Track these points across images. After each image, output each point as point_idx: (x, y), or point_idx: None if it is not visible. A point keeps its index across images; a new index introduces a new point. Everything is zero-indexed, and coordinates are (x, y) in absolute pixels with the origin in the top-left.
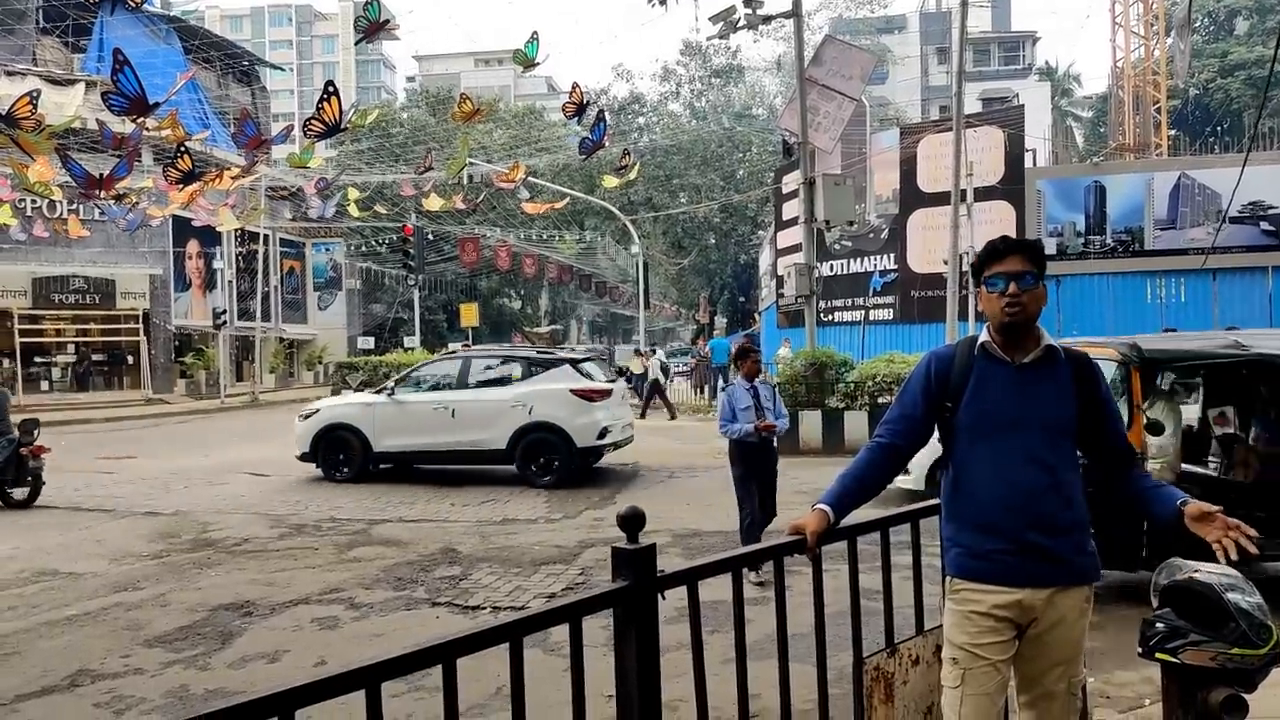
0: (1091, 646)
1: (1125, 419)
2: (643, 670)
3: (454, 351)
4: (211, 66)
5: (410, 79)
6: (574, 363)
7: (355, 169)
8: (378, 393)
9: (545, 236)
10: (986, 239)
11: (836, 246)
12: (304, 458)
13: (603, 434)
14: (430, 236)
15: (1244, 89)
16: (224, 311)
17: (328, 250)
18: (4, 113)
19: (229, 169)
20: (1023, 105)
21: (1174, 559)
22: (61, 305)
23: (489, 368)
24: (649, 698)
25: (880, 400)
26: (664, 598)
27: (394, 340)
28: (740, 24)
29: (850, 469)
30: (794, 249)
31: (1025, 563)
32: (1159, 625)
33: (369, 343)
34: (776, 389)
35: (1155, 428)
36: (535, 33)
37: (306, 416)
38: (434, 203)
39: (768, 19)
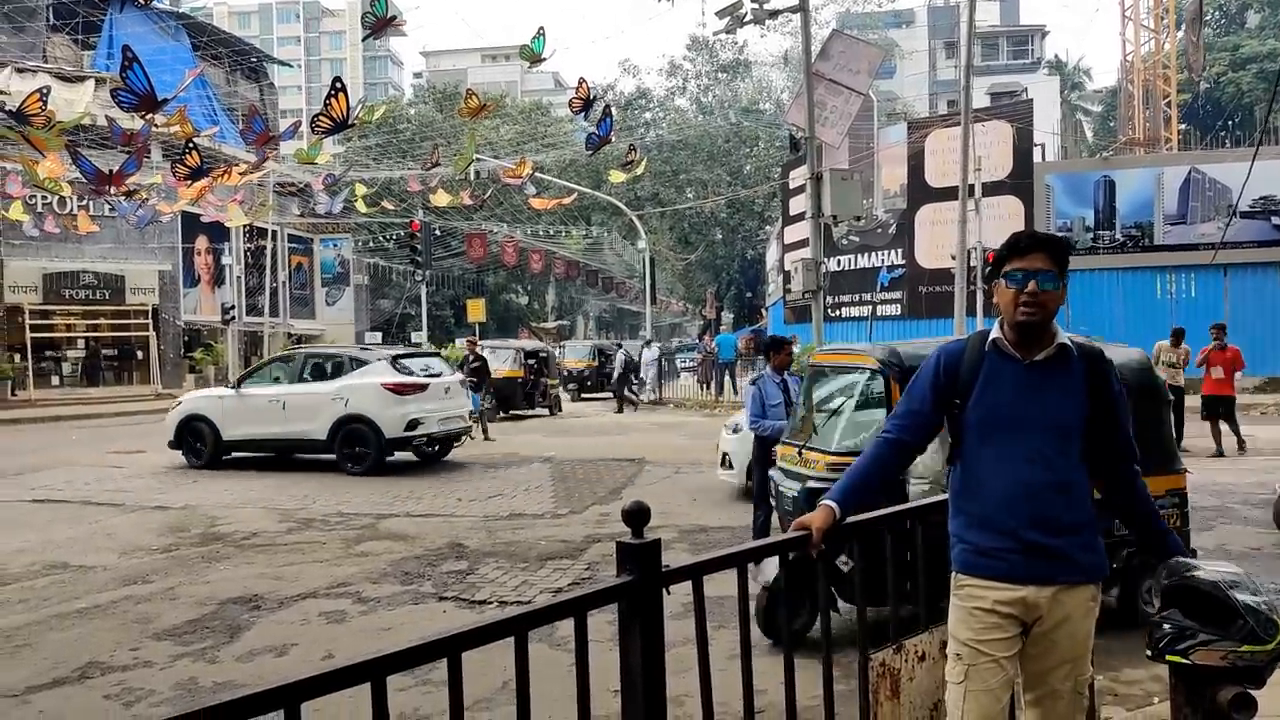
0: (1099, 644)
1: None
2: (647, 665)
3: (368, 347)
4: (220, 63)
5: (417, 75)
6: (394, 359)
7: (363, 165)
8: (229, 387)
9: (552, 232)
10: (995, 234)
11: (844, 242)
12: (172, 445)
13: (412, 425)
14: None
15: (1255, 83)
16: (232, 307)
17: (335, 246)
18: (15, 109)
19: (237, 165)
20: (1031, 100)
21: (1175, 559)
22: (72, 300)
23: (318, 364)
24: (653, 692)
25: None
26: (669, 593)
27: (401, 335)
28: (747, 19)
29: (857, 465)
30: (801, 244)
31: (1029, 560)
32: (1166, 626)
33: (376, 338)
34: None
35: None
36: (542, 28)
37: (176, 408)
38: (441, 198)
39: (774, 14)
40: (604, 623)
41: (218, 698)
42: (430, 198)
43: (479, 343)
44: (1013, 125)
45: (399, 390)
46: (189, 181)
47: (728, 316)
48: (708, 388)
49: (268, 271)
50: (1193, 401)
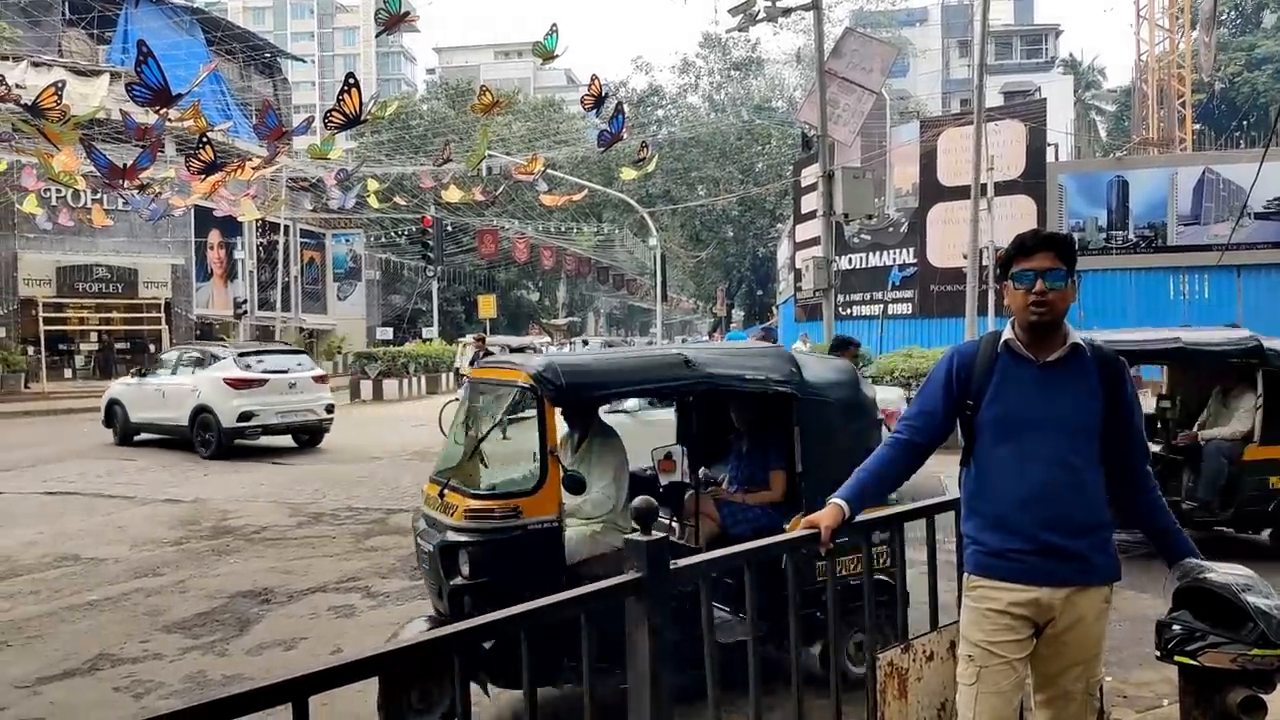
0: (1110, 645)
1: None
2: (654, 661)
3: (227, 345)
4: (234, 58)
5: (430, 71)
6: (239, 355)
7: (375, 160)
8: (137, 376)
9: (563, 229)
10: (1007, 234)
11: (855, 240)
12: (104, 424)
13: (246, 417)
14: (449, 228)
15: (1271, 83)
16: (245, 301)
17: (347, 241)
18: (30, 103)
19: (250, 160)
20: (1045, 99)
21: (1187, 560)
22: (85, 294)
23: (191, 359)
24: (660, 689)
25: None
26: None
27: (413, 331)
28: (760, 16)
29: (869, 464)
30: (812, 242)
31: (1043, 562)
32: (1176, 628)
33: (388, 333)
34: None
35: (575, 484)
36: (555, 25)
37: (107, 391)
38: (453, 194)
39: (787, 11)
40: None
41: (227, 690)
42: (442, 194)
43: (487, 339)
44: (1026, 124)
45: (236, 385)
46: (202, 176)
47: (738, 314)
48: None
49: (280, 266)
50: None
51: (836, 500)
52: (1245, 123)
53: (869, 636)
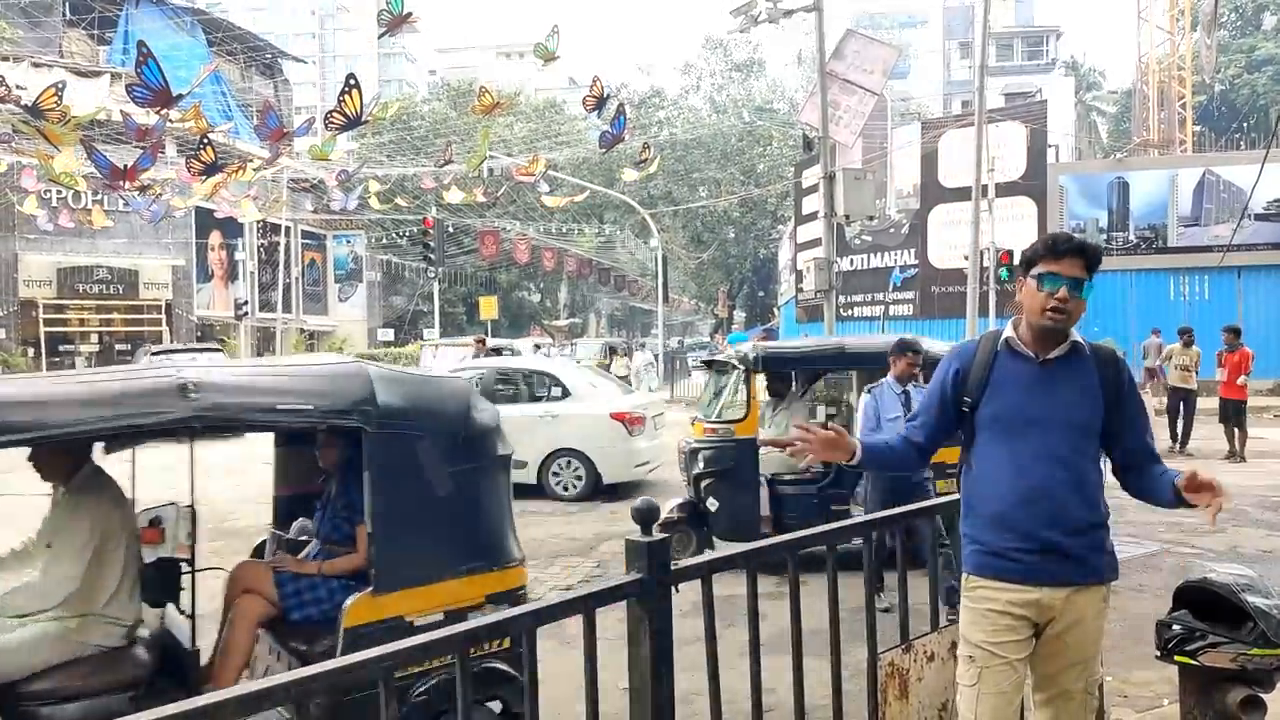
0: (1109, 645)
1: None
2: (656, 663)
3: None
4: (235, 59)
5: (431, 72)
6: (153, 354)
7: (376, 161)
8: None
9: (565, 230)
10: (1008, 235)
11: (856, 241)
12: None
13: None
14: (450, 229)
15: (1271, 85)
16: (245, 302)
17: (348, 242)
18: (31, 104)
19: (251, 161)
20: (1046, 100)
21: (1188, 560)
22: (85, 295)
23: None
24: (662, 690)
25: None
26: (678, 591)
27: (414, 332)
28: (761, 17)
29: (885, 439)
30: (814, 243)
31: (1043, 561)
32: (1176, 627)
33: (389, 335)
34: None
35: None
36: (556, 26)
37: None
38: (454, 195)
39: (789, 12)
40: (614, 620)
41: (229, 691)
42: (443, 195)
43: (487, 341)
44: (1027, 126)
45: None
46: (203, 177)
47: (740, 315)
48: None
49: (281, 267)
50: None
51: (856, 438)
52: (1245, 124)
53: (869, 638)
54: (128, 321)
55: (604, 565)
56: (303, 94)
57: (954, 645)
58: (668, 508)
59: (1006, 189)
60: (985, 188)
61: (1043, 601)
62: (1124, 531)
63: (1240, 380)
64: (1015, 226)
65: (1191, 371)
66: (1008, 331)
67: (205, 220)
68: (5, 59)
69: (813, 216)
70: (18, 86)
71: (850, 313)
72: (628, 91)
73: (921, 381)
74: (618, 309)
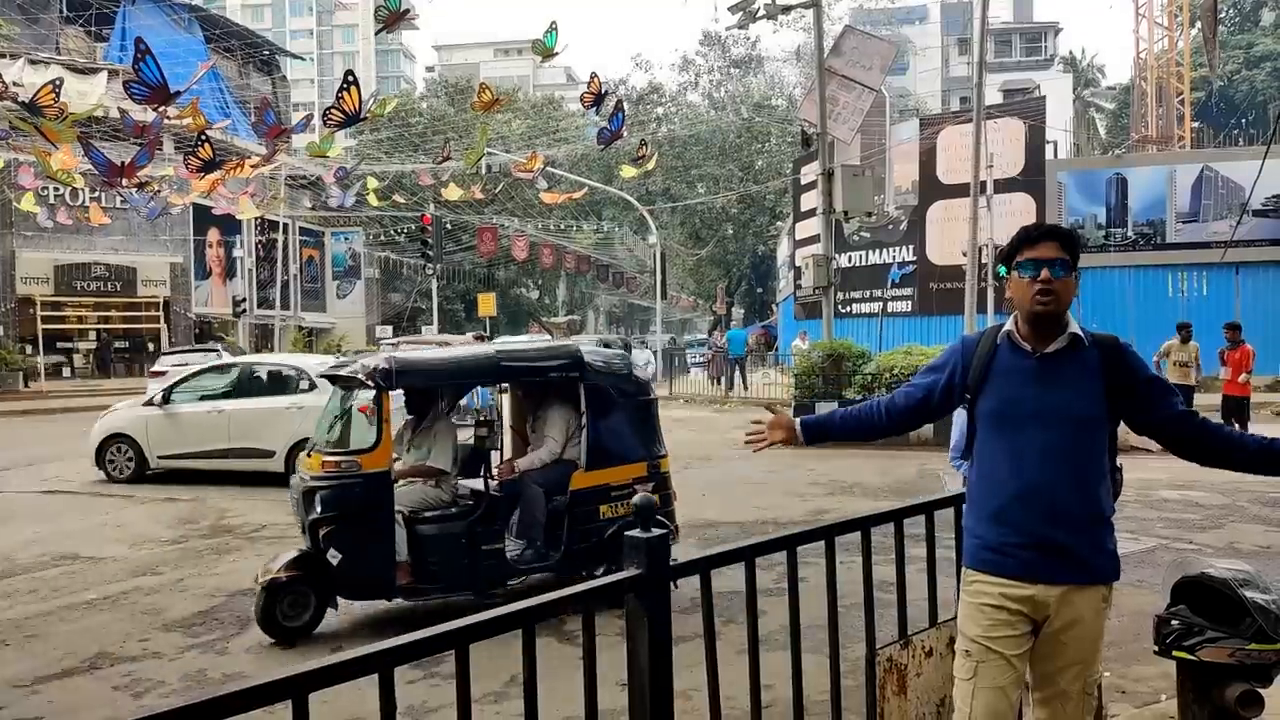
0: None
1: None
2: (654, 658)
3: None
4: (232, 56)
5: (430, 69)
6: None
7: (374, 158)
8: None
9: (563, 227)
10: (1007, 231)
11: (855, 238)
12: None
13: None
14: (448, 226)
15: (1269, 81)
16: (244, 299)
17: (346, 239)
18: (28, 101)
19: (249, 158)
20: (1044, 96)
21: (1186, 555)
22: (83, 292)
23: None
24: (660, 686)
25: None
26: (677, 587)
27: (412, 329)
28: (759, 14)
29: (852, 410)
30: (812, 240)
31: (1039, 557)
32: (1174, 623)
33: (387, 332)
34: None
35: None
36: (554, 23)
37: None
38: (453, 192)
39: (787, 9)
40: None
41: (226, 688)
42: (441, 192)
43: (485, 338)
44: (1025, 122)
45: None
46: (201, 174)
47: (738, 312)
48: (718, 383)
49: (279, 264)
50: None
51: (798, 420)
52: (1244, 120)
53: (868, 634)
54: (125, 319)
55: None
56: (300, 91)
57: (952, 641)
58: (277, 565)
59: (1005, 185)
60: (984, 184)
61: (1037, 598)
62: (1122, 528)
63: (1242, 378)
64: (1014, 223)
65: (1190, 367)
66: (1008, 325)
67: (203, 217)
68: (2, 56)
69: (811, 213)
70: (15, 83)
71: (849, 309)
72: (626, 88)
73: None
74: (616, 305)
